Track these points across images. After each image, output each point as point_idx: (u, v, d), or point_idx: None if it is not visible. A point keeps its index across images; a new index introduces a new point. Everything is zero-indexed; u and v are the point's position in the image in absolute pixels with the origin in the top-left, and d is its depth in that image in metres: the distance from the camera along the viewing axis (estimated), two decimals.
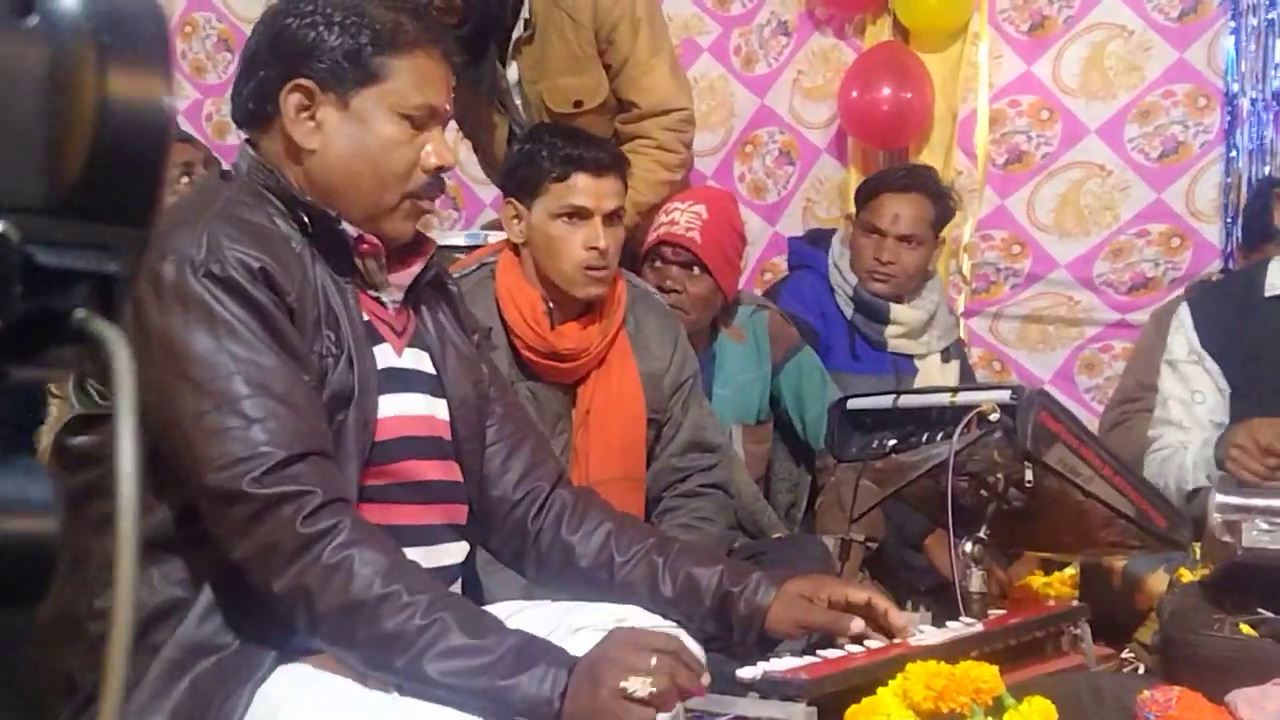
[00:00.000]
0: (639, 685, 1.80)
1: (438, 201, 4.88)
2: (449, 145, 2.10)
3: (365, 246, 2.07)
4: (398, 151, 2.04)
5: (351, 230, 2.06)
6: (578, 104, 3.63)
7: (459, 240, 3.89)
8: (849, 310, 3.98)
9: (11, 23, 0.65)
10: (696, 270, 3.50)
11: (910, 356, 4.00)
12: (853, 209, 4.14)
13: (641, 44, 3.57)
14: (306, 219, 2.04)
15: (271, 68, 2.06)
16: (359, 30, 2.04)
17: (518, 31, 3.58)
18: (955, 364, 4.06)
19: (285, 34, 2.06)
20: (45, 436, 2.12)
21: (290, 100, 2.04)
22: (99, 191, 0.67)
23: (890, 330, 3.96)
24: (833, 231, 4.20)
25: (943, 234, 4.16)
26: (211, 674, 1.92)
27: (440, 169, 2.07)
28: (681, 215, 3.53)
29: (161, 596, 1.96)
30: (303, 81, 2.04)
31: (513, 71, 3.67)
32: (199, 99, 5.42)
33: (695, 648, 1.98)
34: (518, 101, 3.69)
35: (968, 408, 2.53)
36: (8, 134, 0.65)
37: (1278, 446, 2.86)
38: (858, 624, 2.13)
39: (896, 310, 3.95)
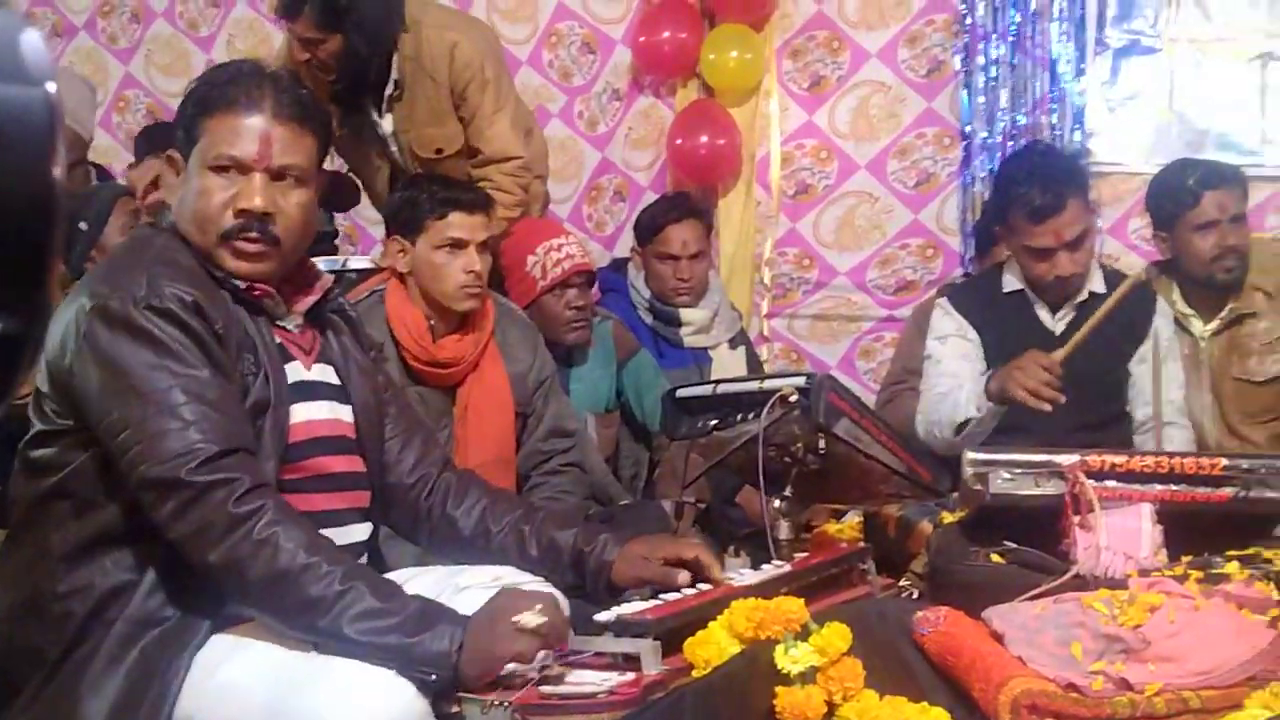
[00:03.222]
0: (532, 617, 1.80)
1: (339, 240, 4.82)
2: (261, 190, 1.97)
3: (257, 293, 2.02)
4: (207, 198, 1.97)
5: (240, 283, 2.00)
6: (439, 151, 3.59)
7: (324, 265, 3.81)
8: (649, 319, 3.97)
9: None
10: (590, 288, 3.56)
11: (704, 349, 3.98)
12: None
13: (487, 101, 3.53)
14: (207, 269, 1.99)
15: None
16: (192, 101, 2.01)
17: (389, 90, 3.53)
18: (742, 349, 4.07)
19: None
20: None
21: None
22: None
23: (684, 330, 3.95)
24: (628, 259, 4.16)
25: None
26: (157, 643, 1.88)
27: (245, 211, 1.96)
28: (575, 248, 3.52)
29: (113, 579, 1.91)
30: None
31: (388, 123, 3.62)
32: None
33: (564, 603, 1.97)
34: (394, 149, 3.65)
35: (772, 392, 2.54)
36: None
37: (1055, 369, 2.90)
38: (684, 577, 2.12)
39: (685, 313, 3.94)
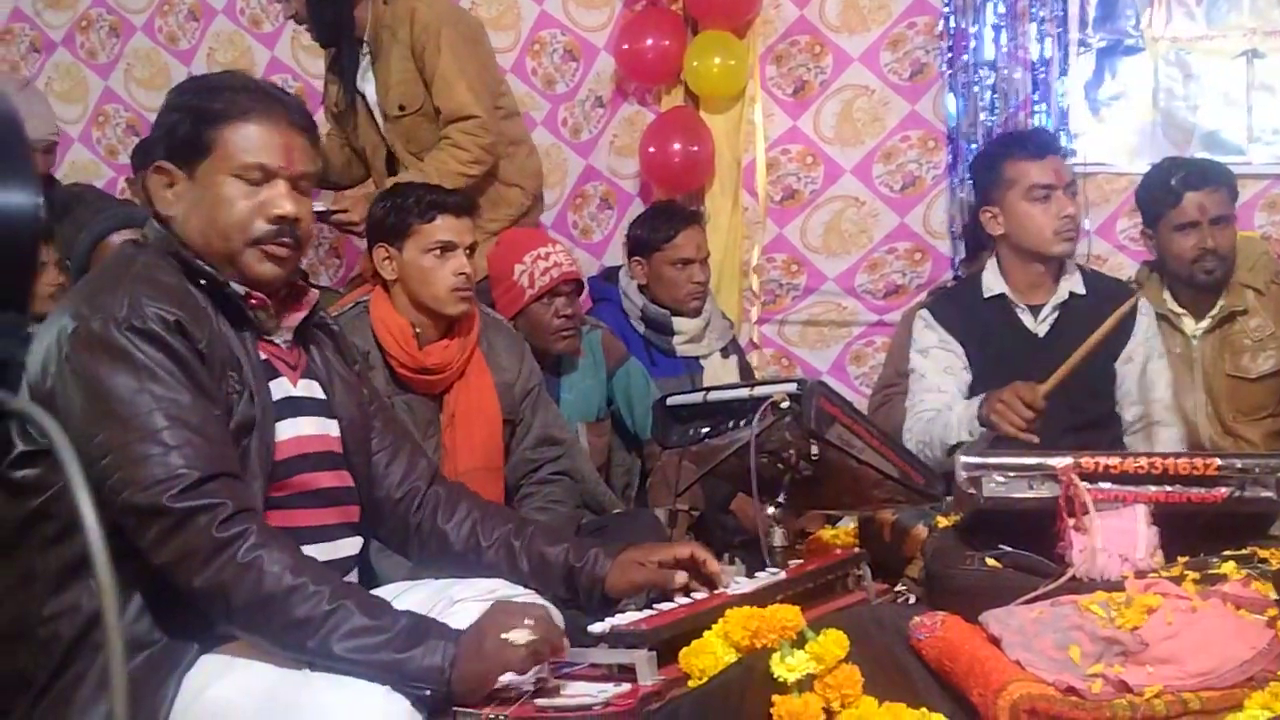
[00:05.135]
0: (520, 634, 1.79)
1: (323, 251, 4.81)
2: (290, 197, 2.01)
3: (254, 301, 2.03)
4: (234, 205, 1.99)
5: (239, 289, 2.00)
6: (401, 108, 3.78)
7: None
8: (641, 328, 3.94)
9: None
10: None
11: (696, 358, 3.96)
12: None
13: (445, 63, 3.67)
14: (203, 280, 1.99)
15: (149, 155, 2.08)
16: (195, 114, 2.01)
17: (362, 51, 3.79)
18: (734, 358, 4.05)
19: (155, 126, 2.08)
20: None
21: (153, 179, 2.04)
22: None
23: (676, 339, 3.93)
24: (619, 268, 4.15)
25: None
26: (144, 666, 1.86)
27: (280, 217, 2.00)
28: (562, 256, 3.55)
29: (98, 603, 1.88)
30: (161, 163, 2.03)
31: (370, 91, 3.84)
32: (114, 177, 5.23)
33: (557, 616, 1.96)
34: (378, 117, 3.84)
35: (763, 398, 2.53)
36: None
37: (1038, 404, 2.90)
38: (681, 577, 2.12)
39: (678, 322, 3.91)
